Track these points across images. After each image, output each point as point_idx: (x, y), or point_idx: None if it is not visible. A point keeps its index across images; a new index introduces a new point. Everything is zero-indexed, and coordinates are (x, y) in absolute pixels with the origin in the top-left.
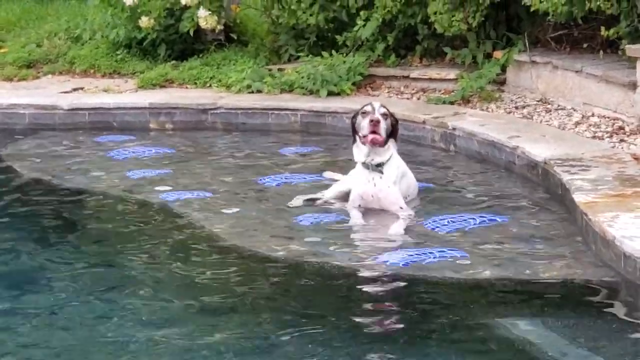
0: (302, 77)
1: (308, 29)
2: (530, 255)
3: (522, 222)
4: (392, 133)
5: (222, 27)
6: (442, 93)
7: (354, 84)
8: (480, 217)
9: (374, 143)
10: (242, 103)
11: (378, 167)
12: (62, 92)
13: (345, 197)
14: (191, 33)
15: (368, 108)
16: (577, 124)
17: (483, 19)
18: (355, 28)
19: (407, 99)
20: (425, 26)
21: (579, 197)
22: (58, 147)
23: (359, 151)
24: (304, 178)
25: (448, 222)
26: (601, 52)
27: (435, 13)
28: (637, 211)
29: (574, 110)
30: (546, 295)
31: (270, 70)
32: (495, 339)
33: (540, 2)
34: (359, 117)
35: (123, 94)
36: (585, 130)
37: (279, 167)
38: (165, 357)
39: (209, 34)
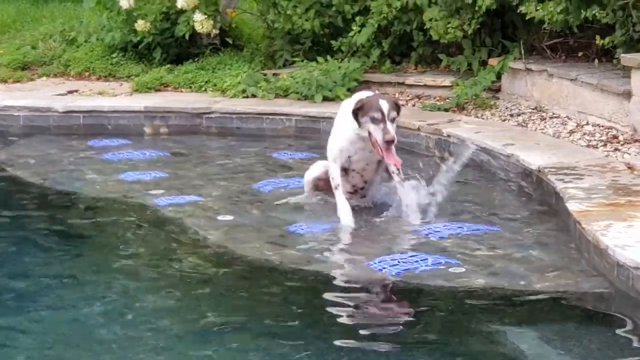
0: (297, 82)
1: (303, 34)
2: (524, 264)
3: (516, 231)
4: None
5: (217, 32)
6: (437, 100)
7: (349, 89)
8: (474, 225)
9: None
10: (237, 108)
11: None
12: (56, 95)
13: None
14: (187, 37)
15: (377, 114)
16: (571, 132)
17: (479, 26)
18: (351, 34)
19: (402, 105)
20: (420, 33)
21: (572, 206)
22: (52, 149)
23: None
24: (298, 183)
25: (442, 229)
26: (596, 60)
27: (430, 20)
28: (630, 220)
29: (569, 118)
30: (539, 304)
31: (265, 75)
32: (487, 348)
33: (536, 10)
34: (367, 118)
35: (118, 97)
36: (580, 139)
37: (273, 172)
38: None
39: (204, 38)
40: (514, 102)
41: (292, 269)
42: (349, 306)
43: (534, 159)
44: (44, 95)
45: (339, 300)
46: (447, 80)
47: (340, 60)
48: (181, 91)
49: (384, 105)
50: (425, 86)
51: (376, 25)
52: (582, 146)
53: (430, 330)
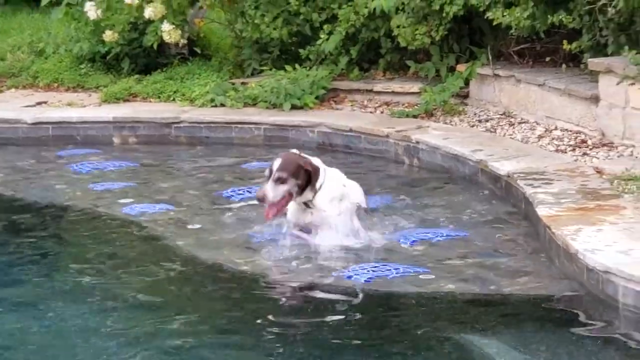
0: (266, 91)
1: (271, 42)
2: (494, 269)
3: (486, 236)
4: (309, 179)
5: (185, 41)
6: (406, 106)
7: (317, 97)
8: (444, 231)
9: (267, 218)
10: (205, 117)
11: (307, 205)
12: (25, 106)
13: None
14: (155, 47)
15: (266, 172)
16: (540, 137)
17: (446, 32)
18: (319, 42)
19: (371, 112)
20: (388, 40)
21: (542, 211)
22: (21, 161)
23: None
24: None
25: (411, 236)
26: (563, 65)
27: (398, 27)
28: (599, 224)
29: (537, 123)
30: (509, 309)
31: (233, 84)
32: (458, 353)
33: (503, 16)
34: None
35: (87, 108)
36: (548, 144)
37: (242, 181)
38: None
39: (172, 48)
40: (482, 108)
41: (261, 278)
42: (318, 314)
43: (502, 165)
44: (13, 107)
45: (309, 308)
46: (415, 87)
47: (308, 68)
48: (150, 101)
49: (275, 164)
50: (394, 93)
51: (344, 33)
52: (550, 151)
53: (399, 336)
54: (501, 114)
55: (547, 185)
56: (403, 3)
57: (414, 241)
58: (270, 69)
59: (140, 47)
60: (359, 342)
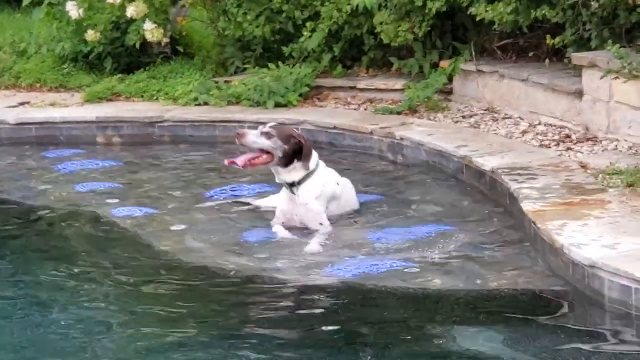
0: (249, 89)
1: (254, 40)
2: (480, 264)
3: (471, 232)
4: (299, 153)
5: (168, 40)
6: (389, 103)
7: (300, 95)
8: (429, 227)
9: (230, 164)
10: (189, 115)
11: (292, 186)
12: (8, 107)
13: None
14: (137, 46)
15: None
16: (524, 132)
17: (429, 28)
18: (302, 39)
19: (354, 109)
20: (371, 36)
21: (527, 206)
22: (4, 161)
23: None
24: (252, 190)
25: (397, 232)
26: (547, 60)
27: (381, 23)
28: (584, 219)
29: (521, 119)
30: (495, 304)
31: (216, 82)
32: (443, 348)
33: (486, 11)
34: None
35: (70, 108)
36: (532, 139)
37: (226, 180)
38: None
39: (155, 47)
40: (466, 104)
41: (247, 277)
42: (304, 310)
43: (487, 160)
44: None
45: (294, 305)
46: (398, 84)
47: (291, 66)
48: (133, 100)
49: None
50: (377, 90)
51: (327, 30)
52: (535, 146)
53: (385, 330)
54: (485, 110)
55: (532, 180)
56: (385, 0)
57: (399, 237)
58: (254, 67)
59: (122, 47)
60: (346, 336)
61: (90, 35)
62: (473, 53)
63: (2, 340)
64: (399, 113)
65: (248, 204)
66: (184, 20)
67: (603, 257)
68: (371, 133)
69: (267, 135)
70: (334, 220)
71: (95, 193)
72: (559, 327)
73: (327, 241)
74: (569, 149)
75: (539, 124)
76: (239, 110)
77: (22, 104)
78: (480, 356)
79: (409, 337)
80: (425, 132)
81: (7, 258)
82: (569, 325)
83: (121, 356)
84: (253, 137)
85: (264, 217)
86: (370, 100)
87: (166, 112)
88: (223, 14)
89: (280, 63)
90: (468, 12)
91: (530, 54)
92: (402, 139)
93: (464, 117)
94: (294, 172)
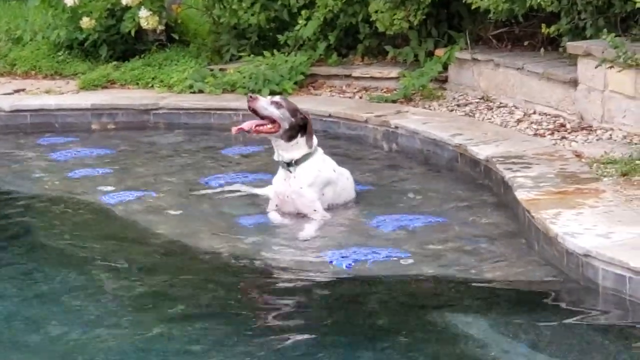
0: (244, 77)
1: (249, 28)
2: (474, 253)
3: (465, 221)
4: (302, 130)
5: (163, 28)
6: (384, 92)
7: (295, 83)
8: (424, 216)
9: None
10: (184, 103)
11: (289, 166)
12: (3, 94)
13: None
14: (132, 33)
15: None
16: (518, 121)
17: (424, 17)
18: (297, 27)
19: (349, 97)
20: (366, 25)
21: (521, 195)
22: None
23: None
24: (246, 177)
25: (391, 221)
26: (542, 49)
27: (376, 12)
28: (579, 208)
29: (516, 107)
30: (489, 293)
31: (212, 70)
32: (438, 338)
33: (481, 0)
34: None
35: (65, 95)
36: (527, 128)
37: (221, 167)
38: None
39: (150, 35)
40: (461, 93)
41: (242, 263)
42: (298, 298)
43: (481, 149)
44: None
45: (289, 292)
46: (393, 72)
47: (286, 54)
48: (128, 88)
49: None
50: (372, 78)
51: (322, 18)
52: (529, 135)
53: (380, 321)
54: (480, 99)
55: (526, 169)
56: None
57: (394, 227)
58: (249, 55)
59: (117, 34)
60: (340, 326)
61: (86, 22)
62: (468, 42)
63: None
64: (394, 101)
65: (243, 191)
66: (179, 8)
67: (597, 246)
68: (366, 121)
69: (277, 104)
70: (329, 208)
71: (90, 180)
72: (552, 316)
73: (321, 229)
74: (563, 138)
75: (534, 112)
76: (234, 98)
77: (17, 91)
78: (475, 344)
79: (403, 326)
80: (420, 121)
81: (1, 245)
82: (562, 314)
83: (116, 341)
84: (264, 104)
85: (259, 204)
86: (366, 89)
87: (161, 100)
88: (218, 1)
89: (275, 51)
90: (463, 1)
91: (526, 42)
92: (397, 127)
93: (459, 105)
94: (296, 148)
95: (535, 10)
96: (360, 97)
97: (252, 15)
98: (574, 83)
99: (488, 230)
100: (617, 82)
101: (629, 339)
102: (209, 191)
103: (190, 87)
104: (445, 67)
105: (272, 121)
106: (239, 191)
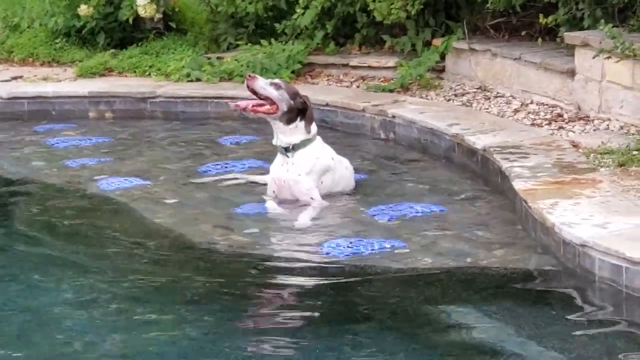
0: (242, 66)
1: (247, 17)
2: (471, 243)
3: (462, 210)
4: (302, 114)
5: (161, 16)
6: (382, 81)
7: (293, 72)
8: (420, 205)
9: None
10: (181, 92)
11: (287, 151)
12: (0, 81)
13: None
14: (130, 21)
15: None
16: (516, 111)
17: (422, 6)
18: (294, 16)
19: (347, 87)
20: (364, 14)
21: (518, 185)
22: None
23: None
24: (243, 165)
25: (388, 211)
26: (539, 39)
27: (374, 1)
28: (576, 198)
29: (513, 97)
30: (486, 283)
31: (209, 58)
32: (434, 326)
33: None
34: None
35: (62, 83)
36: (524, 118)
37: (218, 156)
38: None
39: (148, 23)
40: (458, 82)
41: (238, 252)
42: (296, 289)
43: (479, 139)
44: None
45: (286, 283)
46: (391, 61)
47: (284, 42)
48: (125, 76)
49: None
50: (370, 67)
51: (320, 7)
52: (526, 125)
53: (378, 311)
54: (477, 88)
55: (524, 159)
56: None
57: (391, 216)
58: (246, 44)
59: (115, 22)
60: (337, 316)
61: (83, 10)
62: (466, 31)
63: None
64: (391, 91)
65: (241, 179)
66: None
67: (594, 236)
68: (363, 110)
69: (276, 85)
70: (327, 198)
71: (87, 168)
72: (549, 306)
73: (317, 217)
74: (560, 128)
75: (531, 102)
76: (232, 87)
77: (14, 78)
78: (471, 333)
79: (399, 316)
80: (417, 110)
81: None
82: (559, 304)
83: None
84: (262, 84)
85: (256, 192)
86: (363, 78)
87: (158, 88)
88: None
89: (272, 40)
90: None
91: (523, 32)
92: (394, 116)
93: (456, 95)
94: (295, 132)
95: (532, 0)
96: (358, 87)
97: (250, 3)
98: (572, 73)
99: (485, 220)
100: (615, 73)
101: (624, 328)
102: (207, 179)
103: (188, 75)
104: (443, 57)
105: (271, 102)
106: (236, 179)
